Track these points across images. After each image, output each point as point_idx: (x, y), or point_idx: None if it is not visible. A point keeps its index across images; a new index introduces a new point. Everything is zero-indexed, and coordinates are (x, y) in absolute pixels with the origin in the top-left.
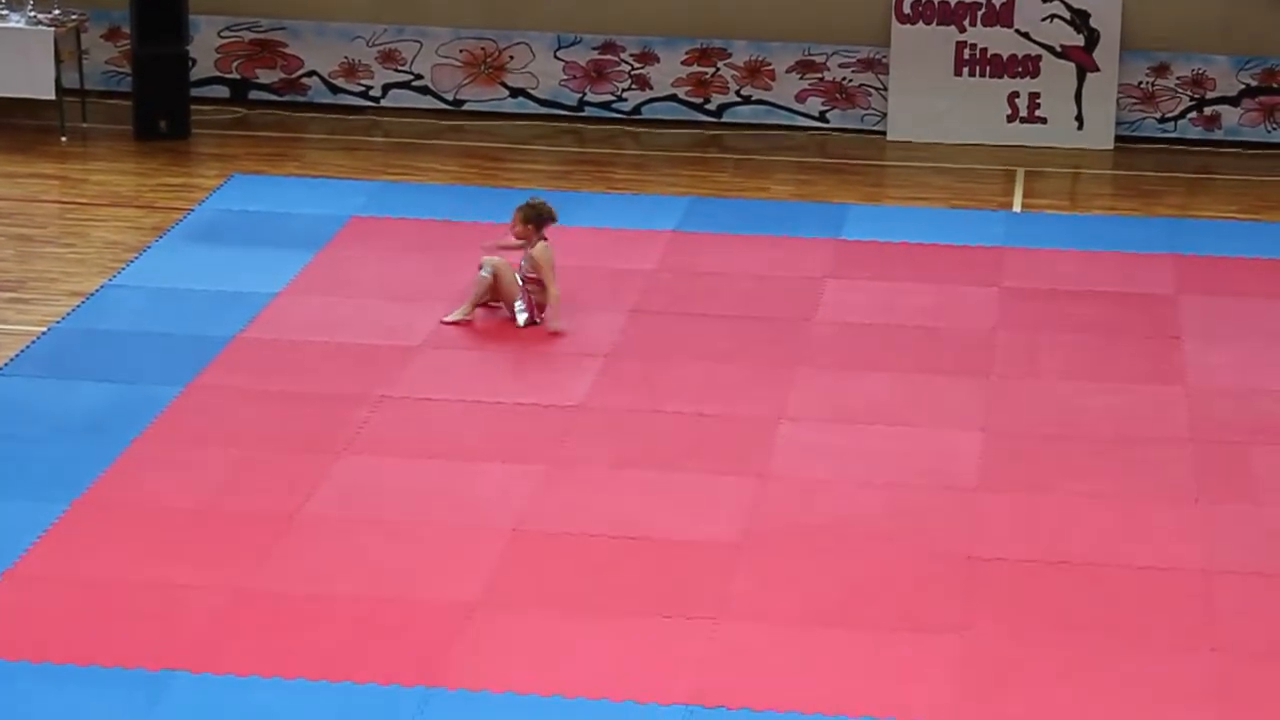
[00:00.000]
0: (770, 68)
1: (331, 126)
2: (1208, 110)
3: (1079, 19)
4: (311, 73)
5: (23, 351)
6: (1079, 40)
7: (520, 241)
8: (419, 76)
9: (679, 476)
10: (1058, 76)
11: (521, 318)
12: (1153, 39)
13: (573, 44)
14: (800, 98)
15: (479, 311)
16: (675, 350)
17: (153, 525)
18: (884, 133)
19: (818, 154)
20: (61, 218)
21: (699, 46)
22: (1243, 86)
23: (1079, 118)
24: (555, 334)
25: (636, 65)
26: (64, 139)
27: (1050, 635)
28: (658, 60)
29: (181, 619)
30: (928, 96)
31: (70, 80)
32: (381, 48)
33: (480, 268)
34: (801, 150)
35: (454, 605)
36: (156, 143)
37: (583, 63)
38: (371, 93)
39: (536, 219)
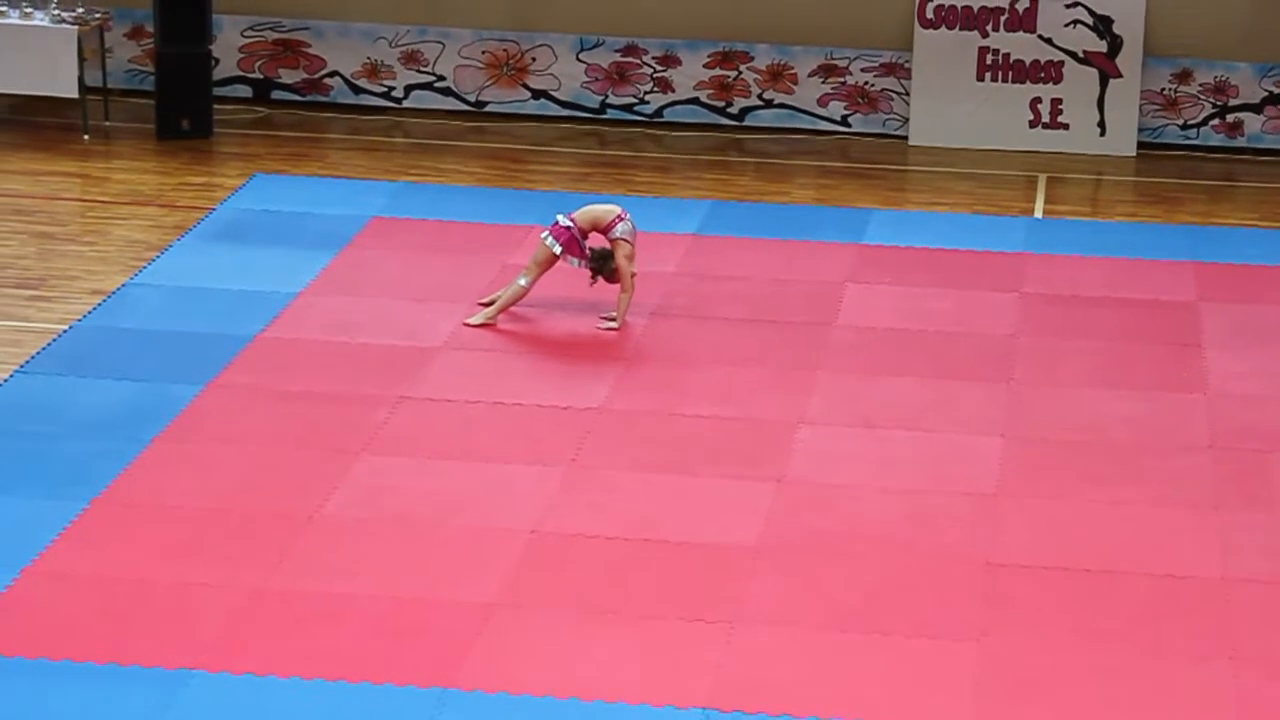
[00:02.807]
0: (792, 71)
1: (353, 127)
2: (1230, 117)
3: (1102, 25)
4: (334, 73)
5: (44, 349)
6: (1102, 46)
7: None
8: (441, 78)
9: (698, 480)
10: (1080, 82)
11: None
12: (1175, 45)
13: (595, 46)
14: (822, 102)
15: (500, 315)
16: (695, 353)
17: (171, 524)
18: (906, 137)
19: (839, 158)
20: (83, 216)
21: (721, 50)
22: (1265, 94)
23: (1101, 124)
24: (608, 329)
25: (659, 68)
26: (86, 137)
27: (1068, 642)
28: (680, 63)
29: (199, 618)
30: (950, 101)
31: (93, 79)
32: (404, 49)
33: (521, 276)
34: (823, 154)
35: (471, 606)
36: (179, 142)
37: (605, 65)
38: (394, 93)
39: (600, 265)
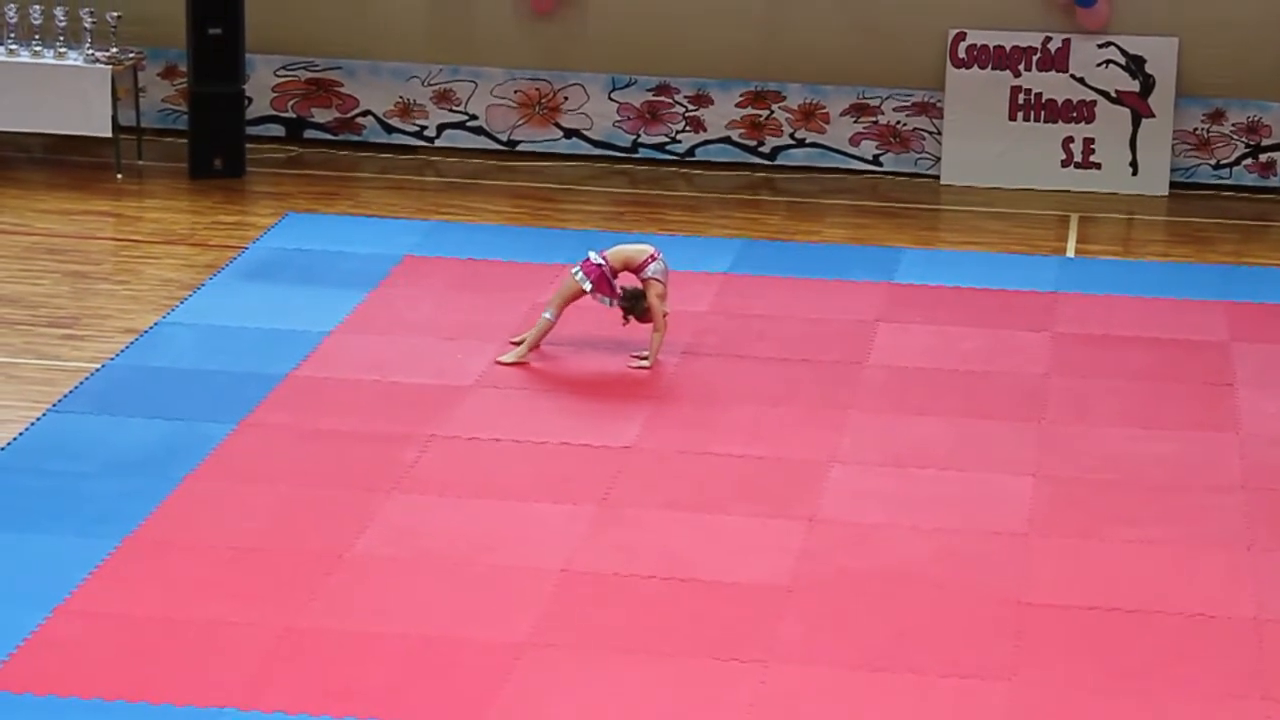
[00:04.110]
0: (824, 111)
1: (385, 166)
2: (1263, 157)
3: (1134, 65)
4: (366, 112)
5: (76, 388)
6: (1134, 86)
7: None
8: (473, 117)
9: (729, 519)
10: (1113, 122)
11: (606, 301)
12: (1208, 85)
13: (627, 85)
14: (854, 141)
15: (531, 353)
16: (727, 392)
17: (203, 562)
18: (938, 177)
19: (871, 197)
20: (116, 255)
21: (754, 89)
22: None
23: (1134, 163)
24: (640, 368)
25: (691, 107)
26: (120, 176)
27: (1099, 681)
28: (712, 102)
29: (230, 657)
30: (982, 141)
31: (127, 118)
32: (436, 88)
33: (546, 310)
34: (855, 193)
35: (502, 645)
36: (211, 181)
37: (637, 104)
38: (426, 132)
39: (632, 305)
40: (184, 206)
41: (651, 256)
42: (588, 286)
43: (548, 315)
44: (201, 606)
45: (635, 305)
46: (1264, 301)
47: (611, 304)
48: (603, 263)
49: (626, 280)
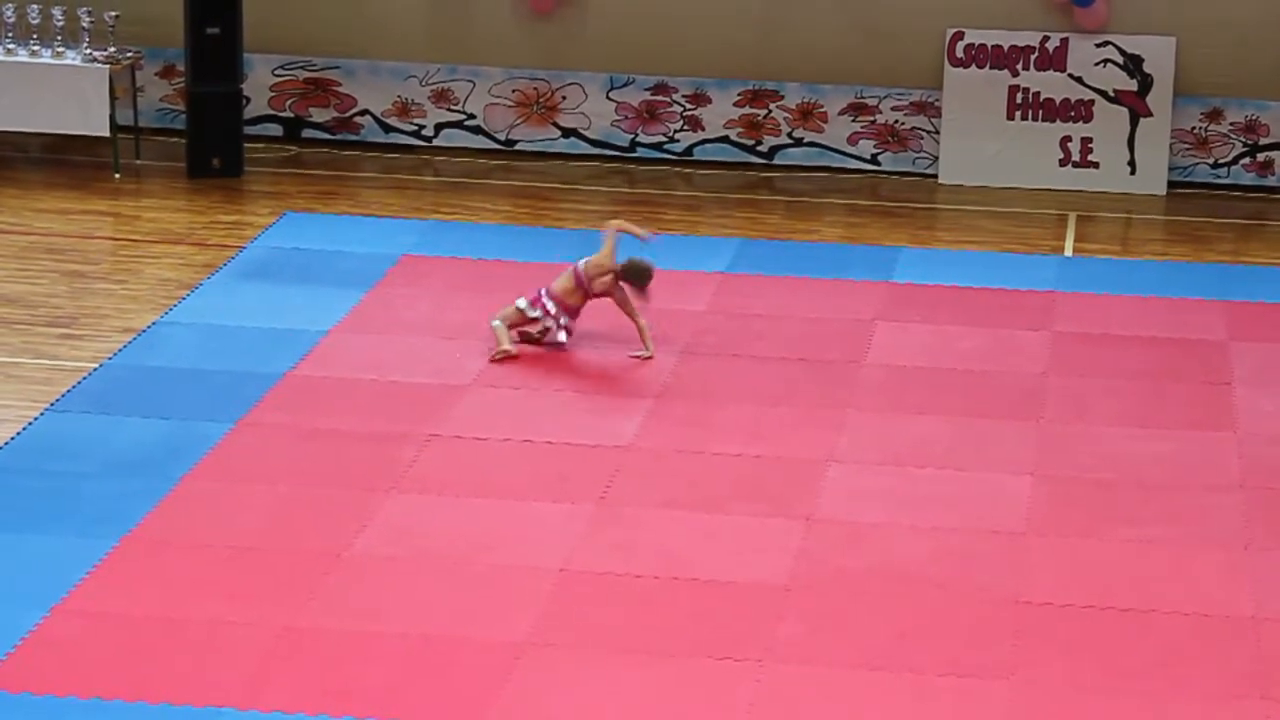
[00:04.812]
0: (822, 110)
1: (383, 165)
2: (1261, 156)
3: (1132, 64)
4: (364, 112)
5: (74, 387)
6: (1132, 85)
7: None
8: (471, 116)
9: (727, 518)
10: (1110, 121)
11: (561, 336)
12: (1206, 84)
13: (625, 85)
14: (852, 140)
15: (527, 350)
16: (724, 392)
17: (201, 562)
18: (935, 176)
19: (869, 196)
20: (114, 254)
21: (751, 88)
22: None
23: (1131, 163)
24: (644, 359)
25: (689, 106)
26: (118, 176)
27: (1099, 681)
28: (710, 102)
29: (228, 656)
30: (980, 140)
31: (125, 117)
32: (434, 87)
33: (492, 320)
34: (853, 193)
35: (501, 645)
36: (209, 180)
37: (635, 103)
38: (424, 132)
39: (633, 272)
40: (182, 206)
41: (574, 266)
42: (521, 303)
43: (496, 323)
44: (200, 606)
45: (634, 267)
46: (1262, 300)
47: (540, 327)
48: (541, 294)
49: (600, 287)
